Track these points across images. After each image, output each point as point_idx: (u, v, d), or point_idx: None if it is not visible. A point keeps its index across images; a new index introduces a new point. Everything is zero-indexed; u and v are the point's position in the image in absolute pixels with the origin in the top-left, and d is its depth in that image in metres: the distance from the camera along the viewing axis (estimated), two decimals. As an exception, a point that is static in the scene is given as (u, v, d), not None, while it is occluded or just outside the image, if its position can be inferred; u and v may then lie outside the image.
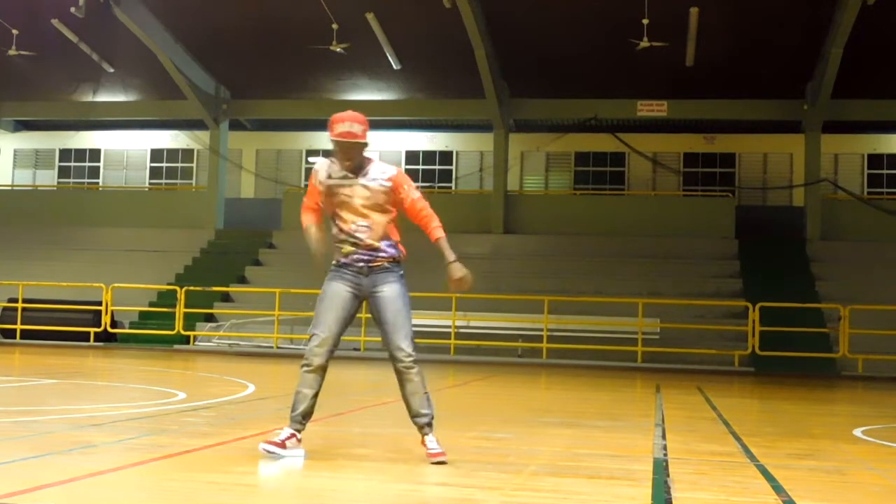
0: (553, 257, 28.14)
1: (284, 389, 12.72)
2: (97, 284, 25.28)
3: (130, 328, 25.99)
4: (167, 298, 25.96)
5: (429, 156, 33.74)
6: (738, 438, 8.09)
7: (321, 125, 33.08)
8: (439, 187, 33.39)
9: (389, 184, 6.15)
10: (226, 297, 27.11)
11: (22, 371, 14.99)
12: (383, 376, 16.88)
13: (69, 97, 32.64)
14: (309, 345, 6.05)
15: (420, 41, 27.97)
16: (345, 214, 6.10)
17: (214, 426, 7.84)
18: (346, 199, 6.10)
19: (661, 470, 6.09)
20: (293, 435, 6.07)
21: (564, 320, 23.85)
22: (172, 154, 35.29)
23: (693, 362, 22.49)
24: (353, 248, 6.10)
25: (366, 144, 6.12)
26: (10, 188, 35.43)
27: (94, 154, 35.74)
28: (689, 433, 8.56)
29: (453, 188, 33.30)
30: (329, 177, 6.17)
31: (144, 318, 26.19)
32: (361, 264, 6.10)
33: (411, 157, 33.86)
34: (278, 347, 24.43)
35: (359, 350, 24.06)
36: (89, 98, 32.32)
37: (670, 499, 5.10)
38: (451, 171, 33.56)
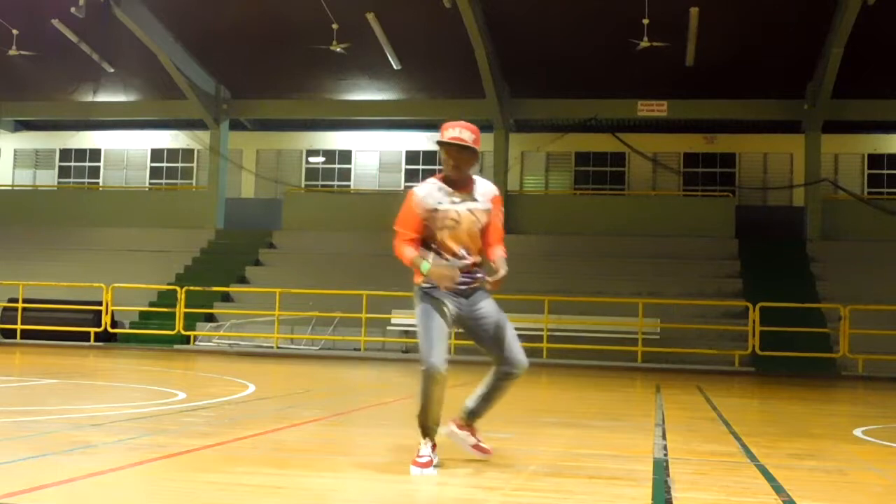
0: (553, 257, 28.13)
1: (284, 390, 12.72)
2: (97, 284, 25.28)
3: (131, 328, 25.99)
4: (167, 298, 25.96)
5: (429, 156, 33.72)
6: (738, 438, 8.08)
7: (321, 125, 33.54)
8: (439, 187, 33.34)
9: (490, 205, 6.05)
10: (226, 297, 27.11)
11: (22, 371, 14.99)
12: (384, 376, 16.89)
13: (69, 97, 32.65)
14: (431, 362, 5.84)
15: (420, 41, 27.97)
16: (450, 240, 5.93)
17: (214, 426, 7.84)
18: (453, 225, 5.92)
19: (661, 470, 6.09)
20: (434, 445, 6.02)
21: (565, 320, 23.83)
22: (173, 154, 35.28)
23: (693, 362, 22.48)
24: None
25: (475, 152, 5.93)
26: (10, 188, 35.44)
27: (95, 154, 35.74)
28: (689, 433, 8.56)
29: (453, 188, 33.27)
30: (438, 202, 5.91)
31: (145, 318, 26.19)
32: (464, 287, 6.00)
33: (411, 157, 33.86)
34: (278, 347, 24.43)
35: (359, 350, 24.05)
36: (89, 98, 32.32)
37: (670, 499, 5.10)
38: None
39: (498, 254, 6.05)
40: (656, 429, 8.63)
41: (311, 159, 34.50)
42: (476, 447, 6.27)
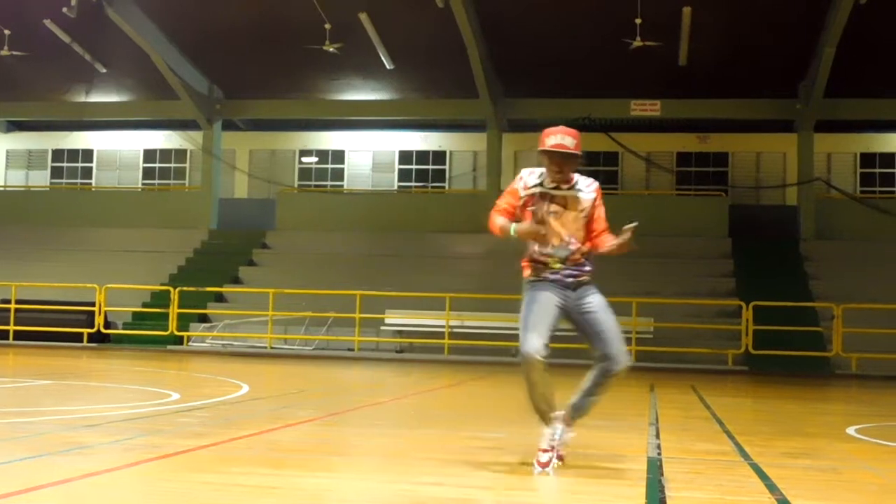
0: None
1: (279, 390, 12.72)
2: (90, 285, 25.25)
3: (124, 329, 25.95)
4: (161, 299, 25.92)
5: (422, 155, 33.74)
6: (732, 437, 8.10)
7: (315, 125, 33.52)
8: (433, 187, 33.40)
9: (594, 195, 6.11)
10: (219, 298, 27.08)
11: (16, 372, 14.97)
12: (378, 376, 16.89)
13: (62, 97, 32.61)
14: (525, 348, 5.86)
15: (413, 41, 27.96)
16: (557, 225, 5.99)
17: (209, 427, 7.84)
18: (557, 210, 6.00)
19: (655, 469, 6.10)
20: (557, 426, 6.07)
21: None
22: (166, 154, 35.25)
23: (687, 361, 22.51)
24: (562, 265, 6.01)
25: (579, 157, 5.97)
26: (2, 189, 35.38)
27: (87, 154, 35.69)
28: (683, 432, 8.58)
29: (447, 188, 33.30)
30: (541, 184, 6.04)
31: (138, 319, 26.15)
32: (571, 279, 6.02)
33: (405, 156, 33.86)
34: (272, 348, 24.42)
35: (353, 350, 24.05)
36: (82, 98, 32.27)
37: (664, 498, 5.11)
38: (444, 170, 33.56)
39: (608, 238, 6.10)
40: (650, 428, 8.64)
41: (305, 159, 34.48)
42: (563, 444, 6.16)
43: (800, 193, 29.31)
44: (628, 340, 23.16)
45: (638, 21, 24.94)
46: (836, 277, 26.03)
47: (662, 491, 5.30)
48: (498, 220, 6.08)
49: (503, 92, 30.02)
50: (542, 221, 5.95)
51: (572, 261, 6.01)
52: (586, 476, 5.88)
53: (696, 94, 28.76)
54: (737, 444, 7.59)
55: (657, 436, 7.98)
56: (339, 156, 34.27)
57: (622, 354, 6.00)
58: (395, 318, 24.33)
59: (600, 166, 32.29)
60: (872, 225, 28.13)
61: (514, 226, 5.95)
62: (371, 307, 24.17)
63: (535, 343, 5.83)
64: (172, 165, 35.15)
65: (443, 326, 23.81)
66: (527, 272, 6.12)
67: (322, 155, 34.37)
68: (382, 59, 28.69)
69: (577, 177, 6.10)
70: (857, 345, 22.38)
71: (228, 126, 33.00)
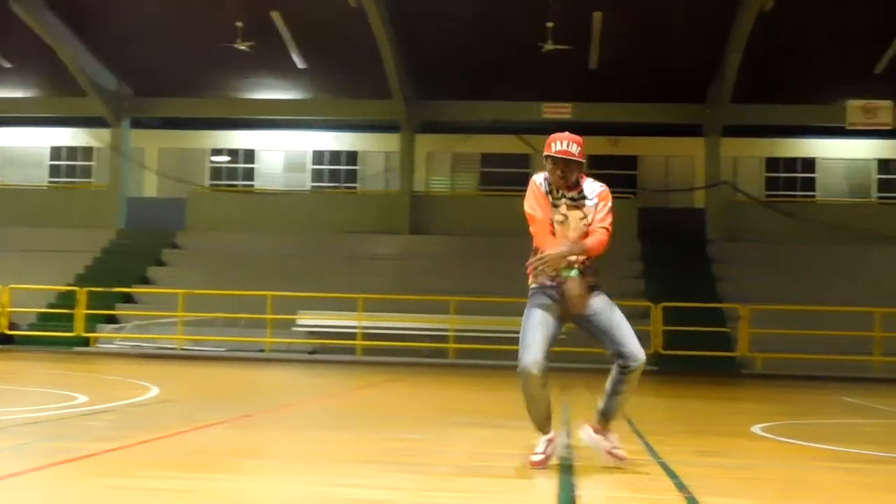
0: (460, 258, 28.23)
1: (189, 392, 12.55)
2: (-6, 285, 24.64)
3: (29, 330, 25.36)
4: (67, 299, 25.38)
5: (334, 156, 33.60)
6: (642, 437, 8.20)
7: (226, 124, 33.14)
8: (345, 187, 33.28)
9: (595, 200, 6.16)
10: (128, 299, 26.64)
11: (-86, 375, 14.53)
12: (291, 378, 16.77)
13: (-36, 93, 31.77)
14: (523, 364, 5.93)
15: (326, 40, 27.84)
16: (560, 235, 6.08)
17: (117, 430, 7.70)
18: (562, 220, 6.10)
19: (567, 468, 6.15)
20: (550, 439, 6.12)
21: (471, 321, 23.95)
22: (73, 152, 34.55)
23: (598, 362, 22.64)
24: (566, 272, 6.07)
25: (581, 164, 6.08)
26: None
27: (-9, 152, 34.80)
28: (594, 432, 8.65)
29: (359, 188, 33.20)
30: (548, 193, 6.12)
31: (43, 320, 25.58)
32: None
33: (317, 156, 33.68)
34: (183, 349, 24.09)
35: (264, 351, 23.85)
36: (-15, 94, 31.49)
37: (576, 497, 5.15)
38: (356, 171, 33.46)
39: (585, 242, 6.09)
40: (562, 428, 8.71)
41: (216, 158, 34.10)
42: (609, 452, 6.19)
43: (707, 196, 29.87)
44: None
45: (550, 25, 25.17)
46: (742, 279, 26.56)
47: (573, 490, 5.35)
48: (548, 242, 6.09)
49: (416, 93, 30.05)
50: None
51: (577, 266, 6.09)
52: (501, 476, 5.91)
53: (607, 98, 29.11)
54: (647, 444, 7.70)
55: (569, 436, 8.05)
56: (250, 155, 33.95)
57: (636, 350, 6.13)
58: (307, 319, 24.19)
59: (513, 168, 32.48)
60: (777, 228, 28.82)
61: (574, 272, 6.06)
62: (283, 308, 24.00)
63: (532, 358, 5.91)
64: (79, 163, 34.47)
65: (356, 327, 23.74)
66: (530, 279, 6.21)
67: (233, 154, 34.02)
68: (295, 58, 28.51)
69: (586, 182, 6.21)
70: (763, 345, 22.87)
71: (137, 124, 32.48)
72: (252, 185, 33.61)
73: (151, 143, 33.85)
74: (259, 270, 27.17)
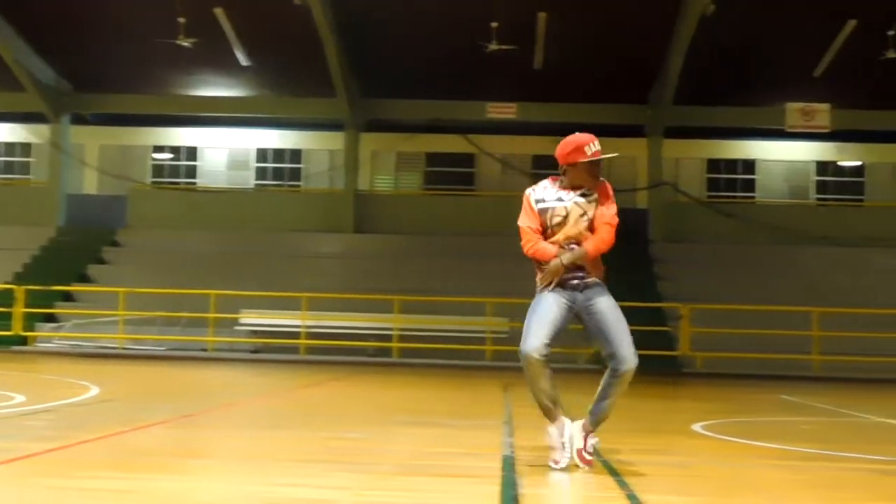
0: (404, 257, 28.23)
1: (130, 391, 12.42)
2: (-72, 283, 24.18)
3: (-35, 329, 24.92)
4: (5, 298, 24.96)
5: (278, 154, 33.42)
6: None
7: (168, 121, 32.81)
8: (289, 185, 33.11)
9: (594, 195, 6.17)
10: (67, 297, 26.28)
11: None
12: (233, 377, 16.67)
13: None
14: (524, 348, 6.03)
15: (269, 37, 27.67)
16: (561, 236, 6.12)
17: (57, 430, 7.60)
18: (560, 221, 6.11)
19: (509, 467, 6.18)
20: (563, 424, 6.23)
21: (415, 320, 23.96)
22: (10, 148, 34.01)
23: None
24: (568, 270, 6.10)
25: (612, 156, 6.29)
26: None
27: (-74, 147, 34.15)
28: (536, 430, 8.67)
29: (303, 187, 33.06)
30: (543, 199, 6.17)
31: (-20, 319, 25.14)
32: (576, 282, 6.12)
33: (261, 154, 33.48)
34: (123, 349, 23.82)
35: (206, 350, 23.67)
36: (-81, 88, 30.86)
37: (518, 495, 5.18)
38: (300, 169, 33.31)
39: (588, 245, 6.10)
40: (504, 427, 8.75)
41: (158, 156, 33.75)
42: (580, 454, 6.19)
43: (650, 197, 30.15)
44: (482, 340, 23.48)
45: (494, 25, 25.25)
46: (683, 279, 26.84)
47: (516, 489, 5.38)
48: (548, 248, 6.11)
49: (361, 92, 29.98)
50: (546, 234, 6.14)
51: (577, 264, 6.10)
52: (443, 475, 5.93)
53: (551, 98, 29.25)
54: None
55: (511, 434, 8.09)
56: (193, 153, 33.66)
57: (630, 355, 6.11)
58: (250, 318, 24.04)
59: (457, 168, 32.57)
60: (718, 228, 29.16)
61: (565, 256, 6.05)
62: (226, 307, 23.84)
63: (532, 343, 6.00)
64: (18, 159, 33.94)
65: (299, 326, 23.64)
66: (538, 277, 6.23)
67: (176, 151, 33.70)
68: (238, 55, 28.31)
69: None
70: (703, 344, 23.13)
71: (78, 120, 32.04)
72: (195, 183, 33.32)
73: (92, 140, 33.42)
74: (201, 269, 26.94)
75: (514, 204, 26.86)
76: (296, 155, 33.39)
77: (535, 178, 27.56)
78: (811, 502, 5.45)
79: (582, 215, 6.10)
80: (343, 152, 30.78)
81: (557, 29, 26.06)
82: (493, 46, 25.52)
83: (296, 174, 33.29)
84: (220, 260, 27.78)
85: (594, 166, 6.14)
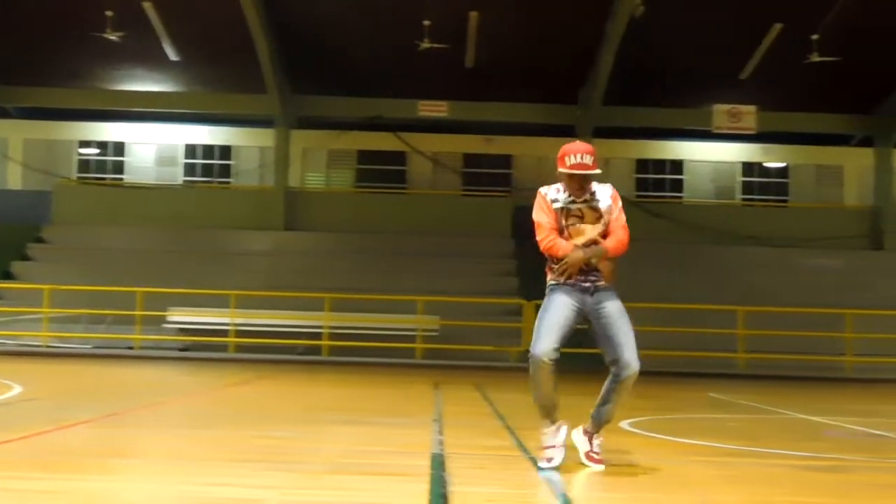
0: (335, 255, 28.14)
1: (54, 390, 12.21)
2: None
3: None
4: (-76, 295, 24.45)
5: (208, 150, 33.07)
6: (513, 433, 8.30)
7: (95, 115, 32.31)
8: (218, 182, 32.78)
9: (610, 202, 6.27)
10: (-10, 294, 25.79)
11: None
12: (160, 375, 16.47)
13: None
14: (535, 351, 6.13)
15: (199, 33, 27.41)
16: (575, 236, 6.18)
17: (-23, 430, 7.45)
18: (575, 221, 6.20)
19: (438, 465, 6.19)
20: (560, 426, 6.32)
21: (345, 318, 23.90)
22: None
23: (471, 359, 22.94)
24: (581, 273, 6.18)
25: (598, 174, 6.20)
26: None
27: None
28: (466, 428, 8.74)
29: (233, 183, 32.74)
30: (556, 200, 6.23)
31: None
32: (588, 285, 6.20)
33: (189, 150, 33.10)
34: (48, 347, 23.41)
35: (133, 348, 23.37)
36: None
37: (447, 493, 5.19)
38: (230, 165, 33.00)
39: (606, 242, 6.21)
40: (434, 425, 8.76)
41: (84, 150, 33.21)
42: (588, 455, 6.29)
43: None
44: (413, 339, 23.49)
45: (426, 23, 25.26)
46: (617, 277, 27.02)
47: (445, 486, 5.38)
48: (560, 246, 6.17)
49: (292, 88, 29.80)
50: (561, 233, 6.19)
51: (592, 267, 6.19)
52: (373, 473, 5.92)
53: (483, 97, 29.35)
54: (517, 440, 7.79)
55: (441, 432, 8.10)
56: (120, 148, 33.16)
57: (632, 360, 6.18)
58: (178, 316, 23.77)
59: (389, 165, 32.50)
60: (647, 227, 29.39)
61: (586, 250, 6.13)
62: (153, 304, 23.55)
63: (544, 346, 6.08)
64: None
65: (228, 324, 23.44)
66: (549, 276, 6.31)
67: (103, 146, 33.18)
68: (167, 50, 27.97)
69: (596, 187, 6.31)
70: (639, 342, 23.30)
71: (1, 114, 31.41)
72: (122, 179, 32.84)
73: (16, 134, 32.77)
74: (128, 266, 26.59)
75: (447, 203, 27.18)
76: (225, 151, 33.07)
77: (466, 177, 27.79)
78: (737, 498, 5.53)
79: (599, 218, 6.22)
80: (274, 149, 30.58)
81: (489, 28, 26.16)
82: (425, 45, 25.53)
83: (225, 171, 32.97)
84: (147, 257, 27.44)
85: (568, 177, 6.20)
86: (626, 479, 6.12)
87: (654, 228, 29.31)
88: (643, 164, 33.11)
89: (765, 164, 33.44)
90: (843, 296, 25.65)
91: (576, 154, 6.17)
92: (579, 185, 6.19)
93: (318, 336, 23.44)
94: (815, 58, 26.33)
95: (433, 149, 31.72)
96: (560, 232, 6.20)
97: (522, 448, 7.26)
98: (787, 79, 28.65)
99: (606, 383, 6.31)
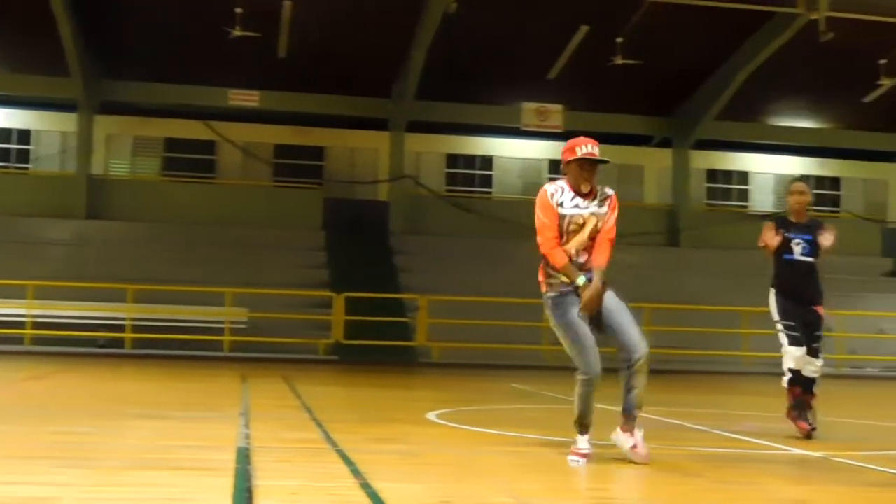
0: (139, 244, 27.41)
1: None
2: None
3: None
4: None
5: (4, 134, 31.62)
6: (320, 425, 8.31)
7: None
8: (16, 167, 31.38)
9: (606, 209, 6.43)
10: None
11: None
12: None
13: None
14: (594, 370, 6.31)
15: (-1, 11, 26.17)
16: (574, 243, 6.34)
17: None
18: (576, 229, 6.34)
19: (244, 459, 6.13)
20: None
21: (150, 309, 23.36)
22: None
23: (280, 352, 22.76)
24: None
25: (605, 162, 6.29)
26: None
27: None
28: (273, 421, 8.69)
29: (31, 169, 31.40)
30: (561, 204, 6.33)
31: None
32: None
33: (-11, 134, 31.58)
34: None
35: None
36: None
37: (252, 487, 5.15)
38: (29, 150, 31.63)
39: (599, 261, 6.37)
40: (241, 418, 8.67)
41: None
42: (634, 449, 6.37)
43: (391, 189, 30.54)
44: (220, 331, 23.15)
45: (238, 11, 24.89)
46: (422, 271, 27.36)
47: (250, 480, 5.34)
48: (560, 258, 6.33)
49: (96, 72, 28.79)
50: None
51: (587, 269, 6.35)
52: (176, 468, 5.82)
53: (295, 88, 29.12)
54: (325, 432, 7.80)
55: (247, 426, 8.03)
56: None
57: (637, 342, 6.33)
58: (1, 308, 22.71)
59: (197, 154, 31.84)
60: (456, 222, 29.89)
61: (582, 278, 6.29)
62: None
63: (597, 367, 6.31)
64: None
65: (24, 315, 22.53)
66: (544, 288, 6.46)
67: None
68: (-38, 27, 26.62)
69: (599, 186, 6.43)
70: (440, 335, 23.67)
71: None
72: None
73: None
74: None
75: (257, 193, 26.87)
76: (24, 135, 31.67)
77: (277, 168, 27.50)
78: (534, 485, 5.69)
79: (596, 224, 6.36)
80: (76, 134, 29.51)
81: (303, 18, 25.99)
82: (237, 32, 25.15)
83: (24, 156, 31.58)
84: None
85: (584, 166, 6.32)
86: (430, 469, 6.21)
87: (464, 223, 29.75)
88: (454, 159, 33.52)
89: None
90: (642, 290, 26.64)
91: (585, 144, 6.40)
92: (589, 174, 6.35)
93: (120, 328, 22.81)
94: (619, 60, 27.23)
95: (244, 139, 31.27)
96: (560, 236, 6.35)
97: (330, 441, 7.27)
98: (593, 80, 29.53)
99: (623, 374, 6.47)
